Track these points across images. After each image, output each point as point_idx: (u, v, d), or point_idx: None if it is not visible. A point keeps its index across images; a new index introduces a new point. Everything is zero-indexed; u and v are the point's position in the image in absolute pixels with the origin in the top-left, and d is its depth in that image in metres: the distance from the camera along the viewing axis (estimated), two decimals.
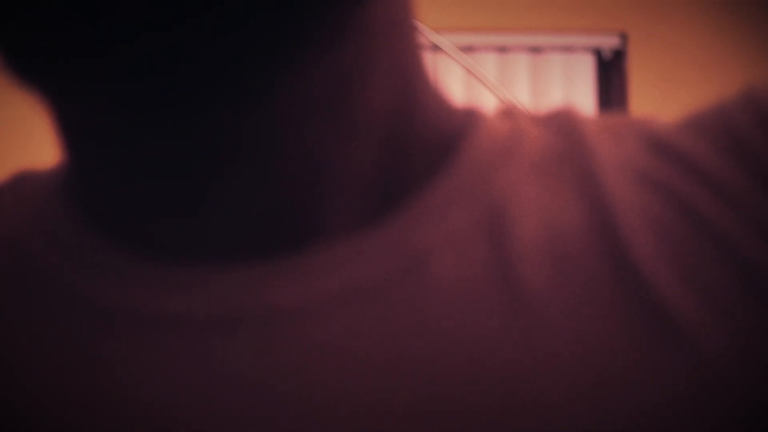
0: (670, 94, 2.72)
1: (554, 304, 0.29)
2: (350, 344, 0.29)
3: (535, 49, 2.75)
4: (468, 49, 2.69)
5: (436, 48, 1.46)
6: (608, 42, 2.73)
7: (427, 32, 1.43)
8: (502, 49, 2.75)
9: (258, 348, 0.29)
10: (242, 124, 0.29)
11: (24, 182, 0.36)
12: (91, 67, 0.27)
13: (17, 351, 0.31)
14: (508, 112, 0.35)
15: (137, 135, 0.29)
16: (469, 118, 0.34)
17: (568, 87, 2.73)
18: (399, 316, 0.29)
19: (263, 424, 0.28)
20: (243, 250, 0.30)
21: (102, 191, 0.32)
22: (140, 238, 0.31)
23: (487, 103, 0.35)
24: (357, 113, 0.31)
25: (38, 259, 0.32)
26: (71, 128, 0.31)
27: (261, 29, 0.27)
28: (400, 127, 0.32)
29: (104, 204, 0.32)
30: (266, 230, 0.30)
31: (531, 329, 0.29)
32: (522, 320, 0.29)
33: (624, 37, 2.72)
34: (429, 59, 0.34)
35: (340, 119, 0.30)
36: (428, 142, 0.33)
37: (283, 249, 0.30)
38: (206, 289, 0.30)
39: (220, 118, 0.29)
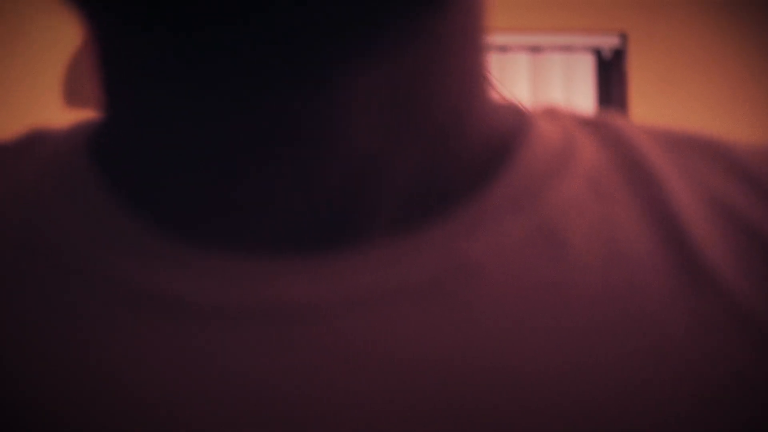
0: (670, 94, 2.72)
1: (613, 327, 0.28)
2: (397, 344, 0.28)
3: (535, 49, 2.74)
4: None
5: None
6: (608, 42, 2.73)
7: None
8: (502, 49, 2.75)
9: (297, 343, 0.28)
10: (300, 110, 0.28)
11: (41, 141, 0.34)
12: (171, 12, 0.26)
13: (35, 327, 0.29)
14: (553, 114, 0.34)
15: (192, 104, 0.28)
16: (520, 121, 0.33)
17: (568, 87, 2.73)
18: (447, 319, 0.28)
19: (299, 419, 0.27)
20: (285, 242, 0.29)
21: (140, 161, 0.30)
22: (175, 217, 0.30)
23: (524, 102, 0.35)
24: (416, 115, 0.30)
25: (62, 227, 0.31)
26: (124, 82, 0.30)
27: (339, 20, 0.26)
28: (456, 130, 0.31)
29: (139, 174, 0.31)
30: (311, 223, 0.30)
31: (586, 351, 0.28)
32: (577, 342, 0.28)
33: (624, 37, 2.72)
34: (490, 61, 0.34)
35: (398, 120, 0.30)
36: (482, 146, 0.32)
37: (327, 244, 0.30)
38: (245, 279, 0.29)
39: (280, 101, 0.28)
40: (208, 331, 0.28)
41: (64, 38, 2.63)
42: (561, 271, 0.29)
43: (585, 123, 0.34)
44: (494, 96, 0.34)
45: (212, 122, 0.28)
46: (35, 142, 0.35)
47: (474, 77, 0.32)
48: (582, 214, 0.30)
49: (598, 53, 2.76)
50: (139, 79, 0.29)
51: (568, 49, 2.73)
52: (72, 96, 2.58)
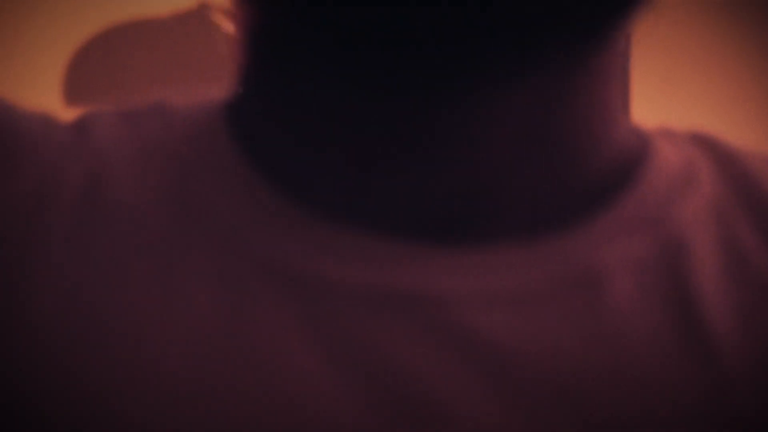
0: (670, 94, 2.72)
1: (740, 359, 0.29)
2: (518, 345, 0.29)
3: None
4: None
5: None
6: None
7: None
8: None
9: (441, 332, 0.28)
10: (445, 114, 0.29)
11: (170, 111, 0.35)
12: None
13: (182, 298, 0.29)
14: (669, 134, 0.36)
15: (344, 91, 0.29)
16: (643, 141, 0.35)
17: None
18: (570, 325, 0.29)
19: (440, 407, 0.28)
20: (418, 230, 0.31)
21: (281, 140, 0.31)
22: (314, 196, 0.31)
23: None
24: (551, 138, 0.31)
25: (207, 199, 0.31)
26: (278, 64, 0.31)
27: (502, 41, 0.27)
28: (588, 153, 0.33)
29: (278, 153, 0.31)
30: (443, 219, 0.31)
31: (711, 377, 0.28)
32: (701, 364, 0.28)
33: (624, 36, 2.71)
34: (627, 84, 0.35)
35: (533, 139, 0.31)
36: (609, 166, 0.33)
37: (457, 241, 0.31)
38: (389, 263, 0.30)
39: (428, 103, 0.29)
40: (354, 313, 0.29)
41: (65, 37, 2.63)
42: (687, 287, 0.30)
43: (698, 143, 0.36)
44: (623, 116, 0.35)
45: (362, 112, 0.30)
46: (164, 111, 0.35)
47: (614, 108, 0.33)
48: (706, 233, 0.31)
49: None
50: (296, 63, 0.30)
51: None
52: (72, 95, 2.58)
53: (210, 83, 2.00)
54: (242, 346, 0.28)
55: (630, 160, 0.34)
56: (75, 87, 2.61)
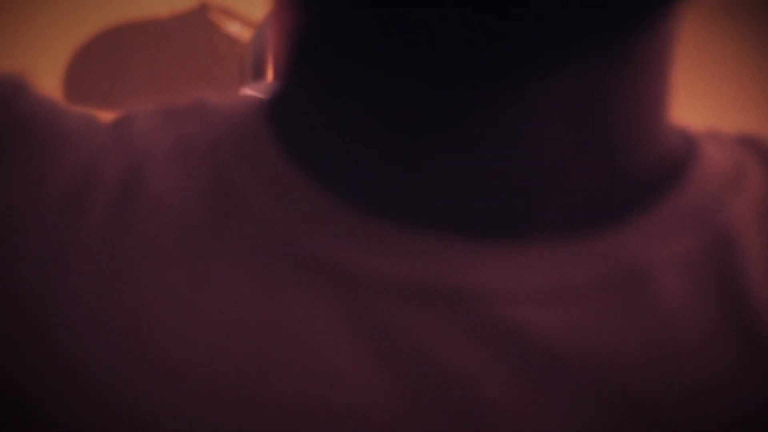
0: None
1: None
2: (562, 341, 0.28)
3: None
4: None
5: None
6: None
7: None
8: None
9: (465, 327, 0.28)
10: (492, 108, 0.29)
11: (210, 108, 0.35)
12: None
13: (220, 289, 0.29)
14: (716, 136, 0.35)
15: (385, 85, 0.29)
16: (690, 143, 0.34)
17: None
18: (615, 322, 0.28)
19: (481, 406, 0.27)
20: (462, 228, 0.30)
21: (321, 134, 0.31)
22: (355, 190, 0.30)
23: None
24: (599, 131, 0.31)
25: (246, 194, 0.31)
26: (321, 57, 0.30)
27: (551, 32, 0.26)
28: (635, 149, 0.32)
29: (318, 147, 0.31)
30: (487, 215, 0.30)
31: (762, 374, 0.28)
32: (753, 362, 0.28)
33: None
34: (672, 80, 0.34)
35: (581, 133, 0.30)
36: (656, 164, 0.32)
37: (501, 237, 0.30)
38: (426, 257, 0.29)
39: (475, 95, 0.28)
40: (396, 307, 0.28)
41: (65, 37, 2.63)
42: (736, 285, 0.29)
43: (747, 144, 0.35)
44: (670, 115, 0.35)
45: (405, 108, 0.29)
46: (204, 109, 0.35)
47: (660, 102, 0.33)
48: (754, 232, 0.31)
49: None
50: (340, 59, 0.30)
51: None
52: (72, 95, 2.58)
53: (210, 83, 2.00)
54: (281, 339, 0.28)
55: (677, 159, 0.34)
56: (75, 87, 2.61)
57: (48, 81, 2.59)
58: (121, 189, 0.31)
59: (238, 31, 2.06)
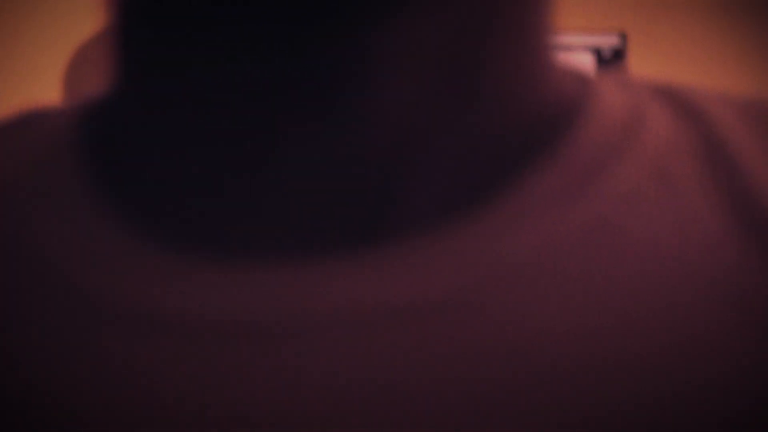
0: None
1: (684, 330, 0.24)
2: (438, 354, 0.24)
3: None
4: None
5: None
6: (608, 41, 2.73)
7: None
8: None
9: (283, 361, 0.24)
10: (327, 68, 0.23)
11: (31, 123, 0.31)
12: None
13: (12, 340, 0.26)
14: (625, 82, 0.29)
15: (206, 65, 0.24)
16: (583, 92, 0.28)
17: None
18: (483, 335, 0.24)
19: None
20: (296, 247, 0.25)
21: (132, 148, 0.27)
22: (165, 221, 0.26)
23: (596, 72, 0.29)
24: (464, 81, 0.25)
25: (41, 235, 0.27)
26: (131, 61, 0.27)
27: None
28: (511, 101, 0.26)
29: (129, 166, 0.27)
30: (332, 222, 0.25)
31: (652, 349, 0.24)
32: (635, 352, 0.24)
33: (624, 36, 2.72)
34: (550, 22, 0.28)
35: (442, 85, 0.25)
36: (537, 120, 0.27)
37: (351, 245, 0.25)
38: (267, 290, 0.25)
39: (303, 55, 0.23)
40: (182, 347, 0.25)
41: (65, 37, 2.63)
42: (614, 272, 0.25)
43: (660, 92, 0.29)
44: (556, 61, 0.29)
45: (216, 101, 0.25)
46: (27, 123, 0.31)
47: (535, 36, 0.27)
48: (643, 207, 0.26)
49: (597, 53, 2.76)
50: (140, 55, 0.26)
51: (567, 48, 2.73)
52: (72, 94, 2.58)
53: None
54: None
55: (564, 114, 0.27)
56: (75, 87, 2.61)
57: (48, 81, 2.60)
58: None
59: None
